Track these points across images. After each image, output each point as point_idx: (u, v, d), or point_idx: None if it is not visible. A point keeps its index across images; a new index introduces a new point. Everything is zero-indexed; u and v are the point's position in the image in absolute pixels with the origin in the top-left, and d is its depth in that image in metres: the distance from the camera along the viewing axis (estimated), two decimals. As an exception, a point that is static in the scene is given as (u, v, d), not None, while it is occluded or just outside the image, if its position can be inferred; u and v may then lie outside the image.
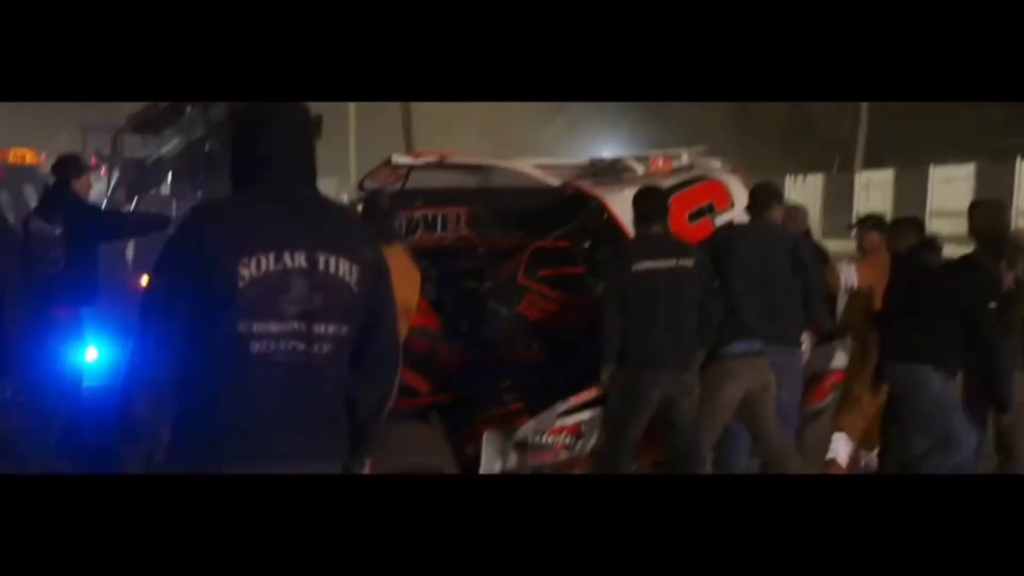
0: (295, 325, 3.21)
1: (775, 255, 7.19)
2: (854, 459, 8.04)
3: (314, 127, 3.52)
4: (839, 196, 33.82)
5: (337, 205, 3.56)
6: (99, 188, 10.05)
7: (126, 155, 9.74)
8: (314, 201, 3.39)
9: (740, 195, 7.60)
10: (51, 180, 7.83)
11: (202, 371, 3.19)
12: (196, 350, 3.18)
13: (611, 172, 7.81)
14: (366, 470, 3.61)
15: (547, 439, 6.93)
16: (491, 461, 6.80)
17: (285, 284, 3.20)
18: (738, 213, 7.48)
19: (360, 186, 7.42)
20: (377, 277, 3.39)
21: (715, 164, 8.02)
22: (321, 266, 3.25)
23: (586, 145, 30.98)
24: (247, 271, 3.15)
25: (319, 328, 3.24)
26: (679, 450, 6.82)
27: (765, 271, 7.14)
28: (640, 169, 7.79)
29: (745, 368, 7.06)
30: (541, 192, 7.84)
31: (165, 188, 9.54)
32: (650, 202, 6.78)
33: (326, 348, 3.26)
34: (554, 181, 7.68)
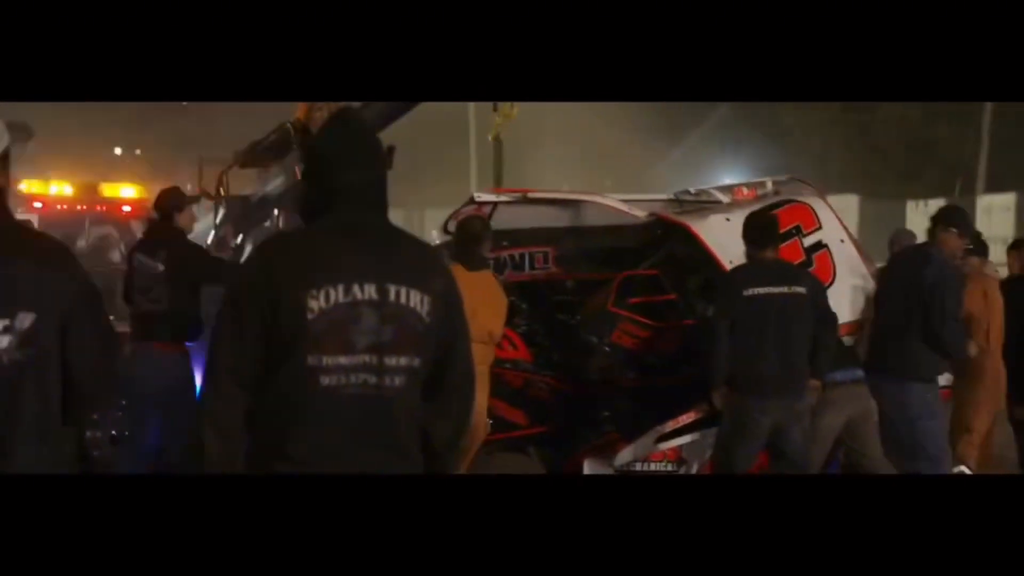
0: (366, 358, 3.17)
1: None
2: None
3: (386, 158, 3.50)
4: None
5: (408, 235, 3.50)
6: (207, 223, 10.25)
7: (231, 192, 9.92)
8: (384, 231, 3.36)
9: (827, 217, 7.55)
10: (155, 215, 7.96)
11: (273, 405, 3.17)
12: (266, 383, 3.17)
13: (696, 204, 7.82)
14: None
15: (649, 466, 6.95)
16: None
17: (355, 316, 3.17)
18: (826, 234, 7.43)
19: (445, 228, 7.44)
20: (449, 307, 3.35)
21: (800, 189, 7.94)
22: (392, 297, 3.21)
23: (704, 177, 30.68)
24: (316, 303, 3.13)
25: (390, 360, 3.20)
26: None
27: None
28: (725, 199, 7.79)
29: (845, 397, 7.01)
30: (627, 226, 7.91)
31: (271, 225, 9.68)
32: (760, 227, 6.79)
33: (398, 381, 3.22)
34: (639, 214, 7.77)
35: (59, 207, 12.37)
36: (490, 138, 18.76)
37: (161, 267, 7.33)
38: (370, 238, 3.30)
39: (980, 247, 8.38)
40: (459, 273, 6.38)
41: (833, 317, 6.75)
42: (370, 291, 3.19)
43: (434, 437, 3.37)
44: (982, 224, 33.00)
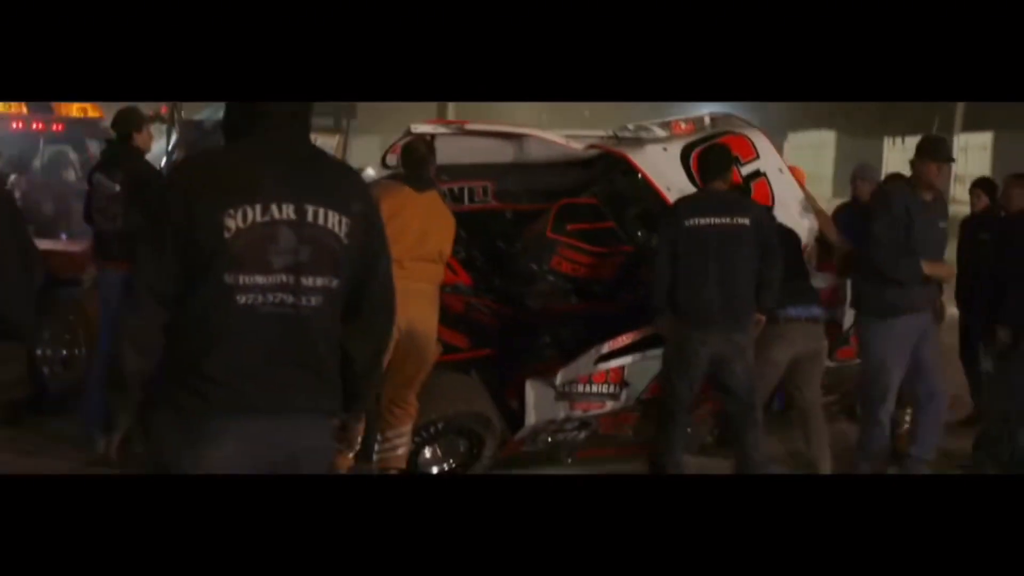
0: (283, 277, 3.20)
1: None
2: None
3: None
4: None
5: (330, 157, 3.53)
6: (160, 147, 10.23)
7: (184, 116, 9.89)
8: (305, 153, 3.38)
9: (764, 147, 7.61)
10: (113, 135, 7.93)
11: (190, 322, 3.20)
12: (184, 301, 3.20)
13: (634, 138, 7.85)
14: (362, 424, 3.61)
15: (591, 387, 7.00)
16: (534, 411, 6.88)
17: (273, 236, 3.19)
18: (763, 163, 7.49)
19: (383, 162, 7.43)
20: (369, 229, 3.38)
21: (737, 123, 7.98)
22: (310, 218, 3.24)
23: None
24: (233, 222, 3.15)
25: (307, 281, 3.24)
26: (733, 412, 6.86)
27: None
28: (663, 133, 7.82)
29: (797, 332, 7.03)
30: (566, 162, 8.00)
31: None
32: (711, 158, 6.83)
33: (315, 300, 3.25)
34: (578, 147, 7.83)
35: (14, 125, 12.24)
36: None
37: (118, 187, 7.32)
38: (290, 159, 3.31)
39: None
40: (408, 195, 6.43)
41: (776, 250, 6.70)
42: (288, 211, 3.21)
43: (354, 358, 3.41)
44: (959, 163, 33.15)
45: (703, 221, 6.63)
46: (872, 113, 35.62)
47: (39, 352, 8.25)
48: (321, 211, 3.25)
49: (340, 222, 3.28)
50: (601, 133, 8.22)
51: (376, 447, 6.54)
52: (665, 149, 7.52)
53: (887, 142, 36.15)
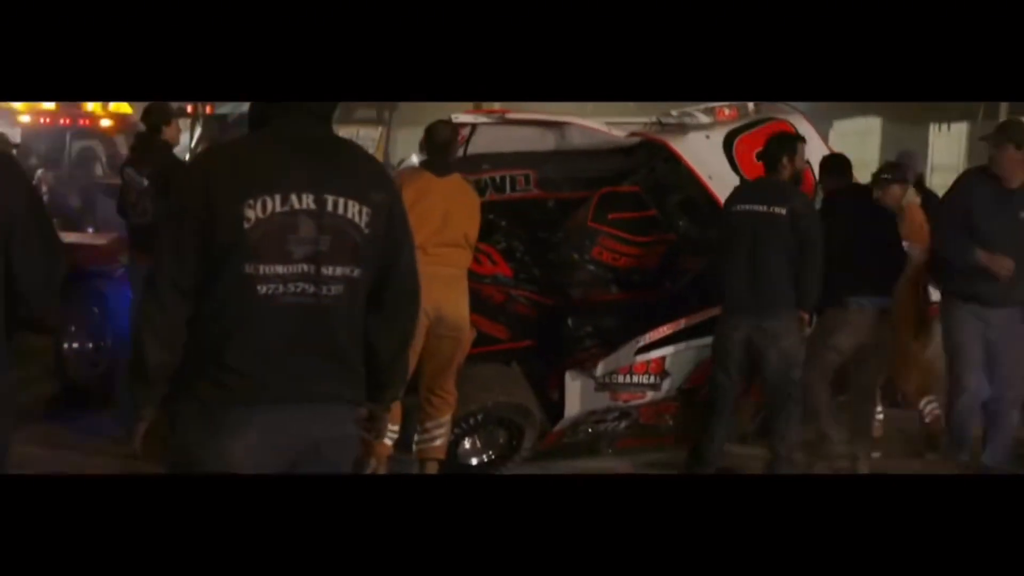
0: (303, 267, 3.19)
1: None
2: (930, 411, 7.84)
3: None
4: (984, 145, 32.78)
5: (351, 145, 3.52)
6: (184, 141, 10.36)
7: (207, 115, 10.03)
8: (326, 142, 3.37)
9: (808, 133, 7.52)
10: (141, 128, 7.99)
11: (210, 313, 3.19)
12: (205, 292, 3.19)
13: (677, 125, 7.81)
14: (390, 414, 3.61)
15: (632, 378, 6.98)
16: (575, 402, 6.88)
17: (292, 226, 3.18)
18: (807, 150, 7.31)
19: (421, 148, 7.40)
20: (391, 219, 3.35)
21: (781, 109, 7.92)
22: (330, 207, 3.22)
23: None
24: (253, 212, 3.14)
25: (328, 270, 3.22)
26: (769, 400, 6.84)
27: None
28: (706, 119, 7.76)
29: (863, 321, 6.94)
30: (608, 150, 7.98)
31: None
32: (769, 149, 6.83)
33: (335, 290, 3.23)
34: (619, 135, 7.81)
35: (42, 121, 12.36)
36: None
37: (146, 182, 7.37)
38: (310, 148, 3.29)
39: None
40: (429, 180, 6.39)
41: (816, 245, 6.58)
42: (308, 201, 3.20)
43: (377, 349, 3.40)
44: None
45: (742, 208, 6.67)
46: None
47: (65, 346, 8.34)
48: (341, 200, 3.24)
49: (360, 211, 3.26)
50: (644, 120, 8.18)
51: (415, 437, 6.53)
52: (708, 136, 7.48)
53: (933, 129, 35.79)
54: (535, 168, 8.03)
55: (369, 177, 3.37)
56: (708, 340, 6.93)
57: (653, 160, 7.87)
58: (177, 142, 7.92)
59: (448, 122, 6.85)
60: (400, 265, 3.41)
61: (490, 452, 7.12)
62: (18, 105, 12.41)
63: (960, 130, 35.07)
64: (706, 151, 7.34)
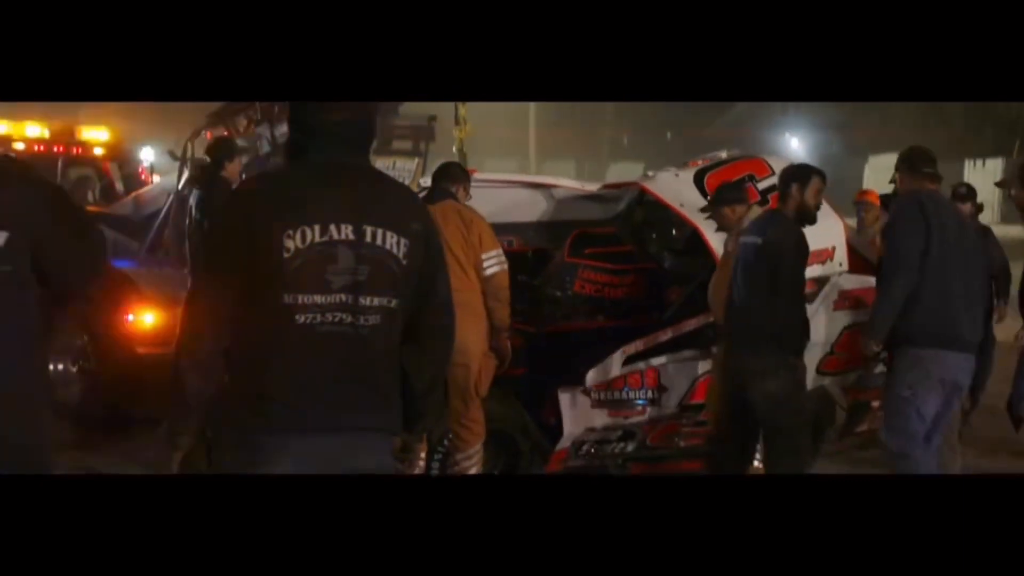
0: (341, 297, 3.20)
1: None
2: None
3: (371, 103, 3.50)
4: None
5: (388, 178, 3.54)
6: (170, 183, 10.69)
7: (197, 157, 10.29)
8: (364, 173, 3.39)
9: (781, 167, 7.40)
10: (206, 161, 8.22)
11: (249, 342, 3.21)
12: (243, 321, 3.21)
13: (651, 177, 8.09)
14: (423, 444, 3.61)
15: (628, 393, 6.99)
16: (571, 420, 6.87)
17: (331, 256, 3.20)
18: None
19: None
20: (427, 250, 3.38)
21: (753, 152, 8.22)
22: (368, 238, 3.24)
23: (751, 143, 30.53)
24: (292, 243, 3.15)
25: (365, 300, 3.23)
26: (765, 441, 6.46)
27: None
28: (678, 170, 8.03)
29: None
30: (585, 197, 8.45)
31: None
32: (781, 178, 6.58)
33: (373, 320, 3.25)
34: (592, 187, 8.29)
35: (36, 148, 12.49)
36: (454, 149, 19.99)
37: (196, 214, 7.49)
38: (349, 179, 3.31)
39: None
40: None
41: (783, 280, 6.21)
42: (347, 231, 3.22)
43: (413, 379, 3.40)
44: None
45: (741, 239, 6.47)
46: (952, 135, 35.21)
47: (50, 367, 8.22)
48: (380, 231, 3.26)
49: (399, 243, 3.29)
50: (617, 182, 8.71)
51: (449, 469, 6.59)
52: (677, 175, 7.71)
53: (968, 165, 35.67)
54: (518, 234, 8.34)
55: (407, 208, 3.40)
56: (700, 352, 6.95)
57: (628, 208, 8.30)
58: (236, 179, 8.01)
59: (455, 163, 7.15)
60: (436, 296, 3.44)
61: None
62: (11, 131, 12.60)
63: (995, 166, 34.96)
64: (675, 184, 7.56)
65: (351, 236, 3.22)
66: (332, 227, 3.20)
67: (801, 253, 6.31)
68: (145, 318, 7.93)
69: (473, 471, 6.54)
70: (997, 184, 6.92)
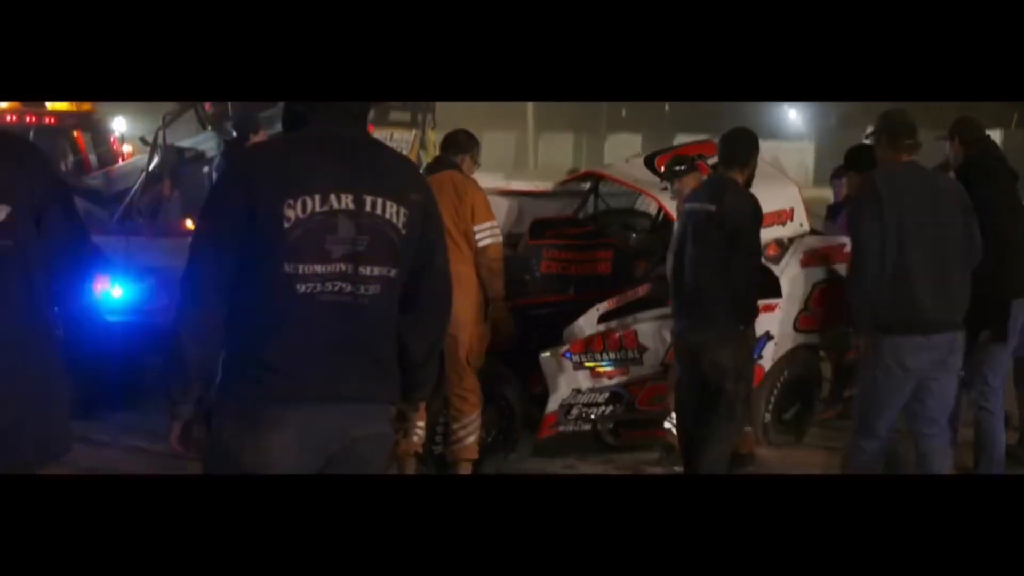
0: (341, 266, 3.22)
1: None
2: None
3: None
4: (1019, 152, 32.64)
5: (387, 148, 3.54)
6: (141, 161, 10.82)
7: (169, 141, 10.46)
8: (362, 143, 3.40)
9: None
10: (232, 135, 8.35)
11: (249, 312, 3.21)
12: (243, 291, 3.21)
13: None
14: (419, 413, 3.61)
15: (608, 354, 7.09)
16: (555, 381, 6.96)
17: (331, 225, 3.20)
18: None
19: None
20: (427, 220, 3.39)
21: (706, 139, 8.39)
22: (368, 207, 3.25)
23: (749, 115, 30.55)
24: (293, 212, 3.16)
25: (366, 270, 3.25)
26: (704, 408, 6.40)
27: None
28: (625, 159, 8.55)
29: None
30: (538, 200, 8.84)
31: (204, 180, 10.15)
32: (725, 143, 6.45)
33: (373, 289, 3.26)
34: (545, 186, 8.93)
35: (8, 118, 12.33)
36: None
37: None
38: (348, 149, 3.32)
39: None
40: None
41: (742, 249, 6.14)
42: (347, 201, 3.23)
43: (410, 348, 3.42)
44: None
45: (686, 206, 6.39)
46: (951, 105, 35.11)
47: None
48: (380, 201, 3.27)
49: (398, 212, 3.30)
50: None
51: (449, 440, 6.66)
52: (628, 162, 8.33)
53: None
54: None
55: (406, 178, 3.41)
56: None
57: (585, 202, 8.80)
58: None
59: (463, 130, 7.05)
60: (434, 266, 3.46)
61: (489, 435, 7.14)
62: None
63: (995, 136, 34.92)
64: (628, 168, 8.18)
65: (351, 206, 3.23)
66: (332, 197, 3.21)
67: (758, 219, 6.22)
68: (113, 288, 7.94)
69: (469, 440, 6.58)
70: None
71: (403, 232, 3.31)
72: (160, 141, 10.13)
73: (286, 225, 3.16)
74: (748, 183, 6.32)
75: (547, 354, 6.97)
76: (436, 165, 6.81)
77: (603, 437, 7.40)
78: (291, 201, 3.17)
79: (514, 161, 46.64)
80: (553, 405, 7.01)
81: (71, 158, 12.90)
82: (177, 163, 10.31)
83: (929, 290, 5.59)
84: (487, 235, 6.68)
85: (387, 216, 3.28)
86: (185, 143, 10.86)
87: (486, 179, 8.62)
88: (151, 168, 9.91)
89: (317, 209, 3.19)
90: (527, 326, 7.26)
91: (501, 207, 8.25)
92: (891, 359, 5.62)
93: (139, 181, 9.99)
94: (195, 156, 10.79)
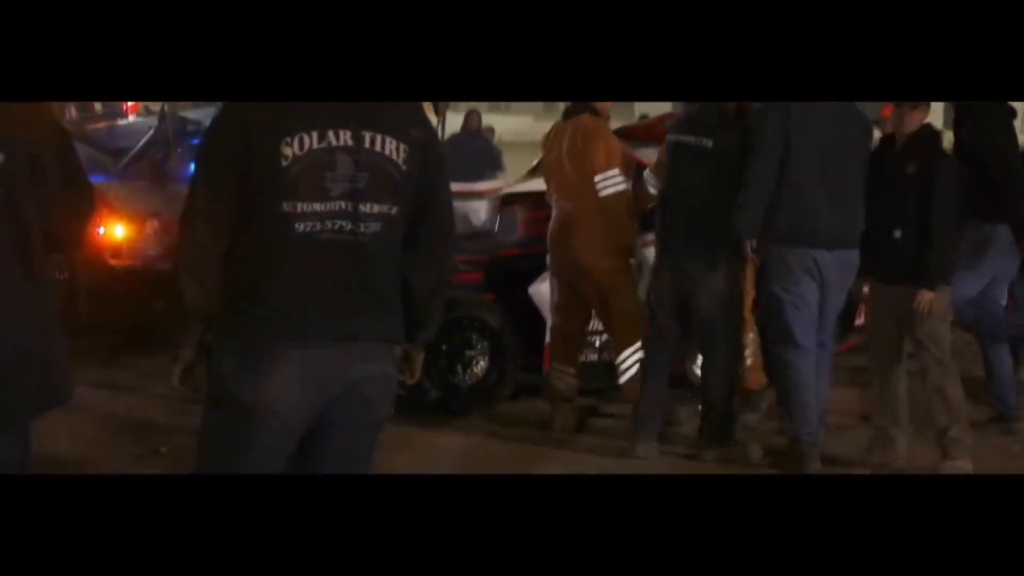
0: (341, 204, 3.17)
1: None
2: None
3: None
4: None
5: None
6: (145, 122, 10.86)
7: (176, 112, 10.58)
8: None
9: None
10: None
11: (249, 252, 3.18)
12: (243, 231, 3.17)
13: None
14: (423, 354, 3.66)
15: None
16: (547, 308, 7.06)
17: (330, 163, 3.15)
18: None
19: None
20: (427, 157, 3.34)
21: None
22: (367, 144, 3.20)
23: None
24: (290, 150, 3.11)
25: (366, 207, 3.20)
26: (701, 345, 6.53)
27: None
28: None
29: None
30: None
31: None
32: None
33: (373, 227, 3.22)
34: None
35: None
36: None
37: None
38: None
39: None
40: (558, 126, 6.85)
41: (737, 179, 6.00)
42: (345, 137, 3.18)
43: (413, 287, 3.39)
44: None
45: (671, 138, 6.34)
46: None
47: None
48: (379, 137, 3.22)
49: (398, 148, 3.25)
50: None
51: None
52: None
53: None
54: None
55: (405, 114, 3.34)
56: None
57: None
58: None
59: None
60: (437, 203, 3.41)
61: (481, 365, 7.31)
62: None
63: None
64: None
65: (350, 142, 3.18)
66: (330, 133, 3.16)
67: (750, 150, 6.06)
68: (116, 231, 8.03)
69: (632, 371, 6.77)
70: None
71: (403, 168, 3.26)
72: (165, 110, 10.33)
73: (283, 163, 3.11)
74: (740, 112, 6.23)
75: (537, 285, 7.12)
76: (574, 109, 6.72)
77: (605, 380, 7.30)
78: (288, 139, 3.12)
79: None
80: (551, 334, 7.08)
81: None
82: (182, 130, 10.50)
83: (827, 206, 5.91)
84: (607, 184, 6.62)
85: (387, 152, 3.23)
86: (190, 115, 11.04)
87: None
88: (153, 131, 10.13)
89: (315, 146, 3.14)
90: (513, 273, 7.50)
91: (474, 210, 8.42)
92: (795, 263, 5.95)
93: (141, 143, 10.08)
94: (198, 130, 10.71)
